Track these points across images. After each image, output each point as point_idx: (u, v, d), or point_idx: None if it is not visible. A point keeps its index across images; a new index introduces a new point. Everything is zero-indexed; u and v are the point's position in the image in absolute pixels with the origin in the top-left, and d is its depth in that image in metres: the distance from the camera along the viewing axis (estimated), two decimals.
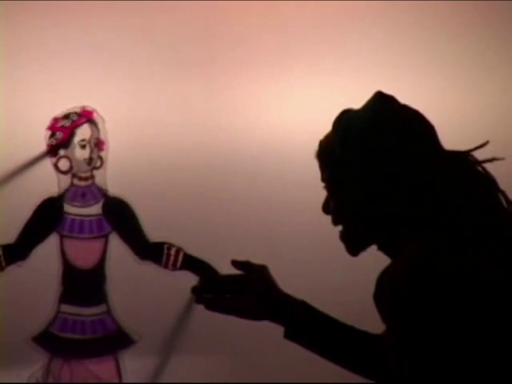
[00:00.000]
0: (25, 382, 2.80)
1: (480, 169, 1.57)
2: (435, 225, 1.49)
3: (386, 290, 1.43)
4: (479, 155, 1.59)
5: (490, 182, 1.56)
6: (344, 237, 1.64)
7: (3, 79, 2.85)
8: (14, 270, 2.82)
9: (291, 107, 2.96)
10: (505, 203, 1.55)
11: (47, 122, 2.86)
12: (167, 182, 2.88)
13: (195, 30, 2.94)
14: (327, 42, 2.99)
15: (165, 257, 2.88)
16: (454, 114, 2.97)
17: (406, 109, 1.62)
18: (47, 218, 2.85)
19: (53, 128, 2.87)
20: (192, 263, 2.86)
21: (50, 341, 2.83)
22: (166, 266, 2.88)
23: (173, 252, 2.88)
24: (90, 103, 2.88)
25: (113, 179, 2.89)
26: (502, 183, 1.57)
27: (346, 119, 1.63)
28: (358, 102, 2.90)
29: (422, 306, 1.39)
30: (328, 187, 1.65)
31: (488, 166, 1.59)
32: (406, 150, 1.54)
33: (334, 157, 1.60)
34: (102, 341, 2.86)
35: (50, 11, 2.88)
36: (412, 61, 3.00)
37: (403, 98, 2.96)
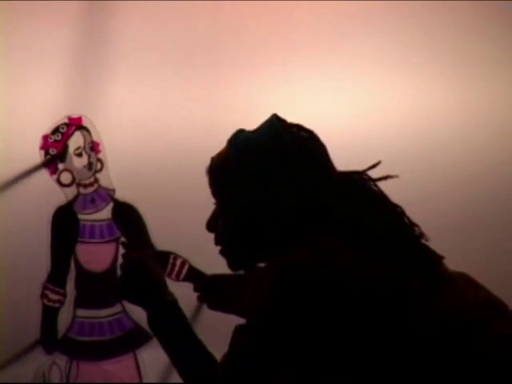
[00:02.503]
0: (32, 374, 2.87)
1: (374, 187, 1.61)
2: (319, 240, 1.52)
3: (262, 287, 1.48)
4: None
5: (380, 198, 1.59)
6: (225, 253, 1.66)
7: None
8: (27, 275, 2.88)
9: (295, 108, 2.92)
10: (406, 219, 1.58)
11: (46, 124, 2.89)
12: (172, 182, 2.92)
13: (197, 30, 2.95)
14: (333, 43, 2.98)
15: (169, 266, 2.90)
16: (459, 114, 2.96)
17: (301, 131, 1.64)
18: (67, 228, 2.91)
19: (45, 146, 2.91)
20: (196, 277, 2.88)
21: (69, 346, 2.90)
22: (169, 276, 2.90)
23: (178, 263, 2.91)
24: (90, 104, 2.90)
25: (118, 180, 2.93)
26: None
27: (242, 139, 1.65)
28: (361, 102, 2.91)
29: (285, 311, 1.43)
30: (219, 204, 1.66)
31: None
32: (300, 173, 1.57)
33: (228, 175, 1.62)
34: (121, 340, 2.93)
35: (49, 11, 2.91)
36: (414, 60, 2.98)
37: (406, 97, 2.92)
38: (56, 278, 2.89)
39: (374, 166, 1.62)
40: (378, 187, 1.60)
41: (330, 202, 1.55)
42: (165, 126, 2.94)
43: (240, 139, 1.65)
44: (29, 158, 2.89)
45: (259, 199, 1.57)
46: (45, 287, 2.88)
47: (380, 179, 1.61)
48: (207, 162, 2.85)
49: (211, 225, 1.69)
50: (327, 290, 1.42)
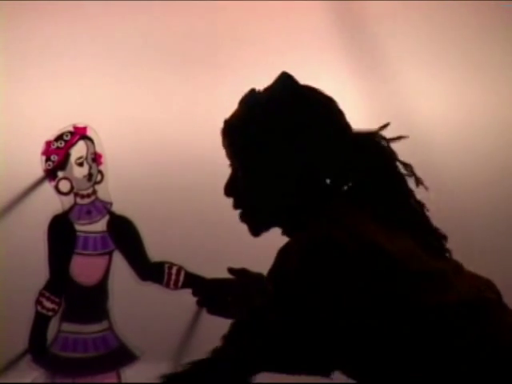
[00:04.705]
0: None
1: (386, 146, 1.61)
2: (336, 205, 1.52)
3: (285, 264, 1.44)
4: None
5: (392, 156, 1.59)
6: (247, 217, 1.61)
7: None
8: (14, 287, 2.81)
9: None
10: (413, 177, 1.59)
11: (45, 131, 2.85)
12: (168, 188, 2.89)
13: (195, 32, 2.93)
14: (332, 43, 2.98)
15: (166, 277, 2.87)
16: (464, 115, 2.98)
17: (311, 89, 1.63)
18: (64, 237, 2.86)
19: (47, 152, 2.86)
20: (194, 281, 2.83)
21: (50, 361, 2.82)
22: (167, 286, 2.87)
23: (174, 271, 2.87)
24: (86, 109, 2.87)
25: (114, 188, 2.90)
26: None
27: (259, 96, 1.61)
28: (364, 102, 2.89)
29: (317, 283, 1.40)
30: (239, 166, 1.61)
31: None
32: (316, 128, 1.56)
33: (248, 133, 1.58)
34: (104, 358, 2.86)
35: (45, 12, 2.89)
36: (415, 60, 2.99)
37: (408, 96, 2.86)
38: (53, 286, 2.83)
39: (384, 127, 1.61)
40: (389, 146, 1.60)
41: (350, 167, 1.57)
42: (165, 137, 2.91)
43: (257, 96, 1.61)
44: (30, 163, 2.85)
45: (285, 155, 1.55)
46: (41, 294, 2.82)
47: (393, 139, 1.60)
48: (207, 174, 2.87)
49: (230, 188, 1.63)
50: (356, 264, 1.41)
